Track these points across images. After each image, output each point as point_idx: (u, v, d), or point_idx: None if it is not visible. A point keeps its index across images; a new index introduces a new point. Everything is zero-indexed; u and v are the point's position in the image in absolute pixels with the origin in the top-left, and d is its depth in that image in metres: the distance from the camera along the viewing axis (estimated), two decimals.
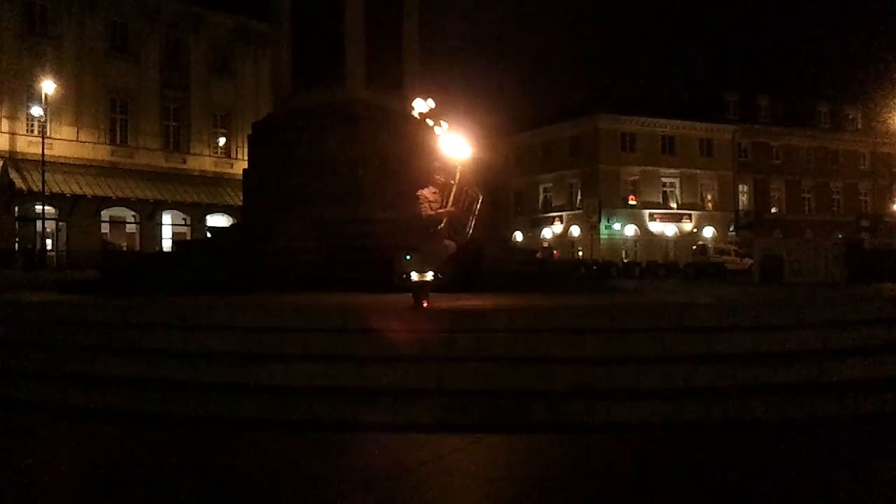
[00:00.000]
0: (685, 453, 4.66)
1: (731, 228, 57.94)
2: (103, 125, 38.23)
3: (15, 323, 7.82)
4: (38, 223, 34.42)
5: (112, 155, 38.28)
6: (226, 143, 42.76)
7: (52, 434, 5.30)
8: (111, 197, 37.02)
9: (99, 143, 37.81)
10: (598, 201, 50.50)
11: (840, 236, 40.80)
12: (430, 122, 8.74)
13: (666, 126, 56.13)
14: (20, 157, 34.68)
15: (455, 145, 8.91)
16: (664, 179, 56.96)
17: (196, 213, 40.20)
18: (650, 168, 55.89)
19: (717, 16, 79.25)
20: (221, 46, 42.97)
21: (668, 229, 56.74)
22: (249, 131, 15.19)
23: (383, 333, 6.12)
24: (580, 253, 52.25)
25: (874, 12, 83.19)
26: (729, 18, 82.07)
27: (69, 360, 6.58)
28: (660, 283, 21.58)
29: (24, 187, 33.79)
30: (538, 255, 22.23)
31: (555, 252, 48.73)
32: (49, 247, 36.28)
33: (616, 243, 53.97)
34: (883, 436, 5.01)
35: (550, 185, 59.62)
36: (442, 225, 9.23)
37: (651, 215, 56.28)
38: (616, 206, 54.23)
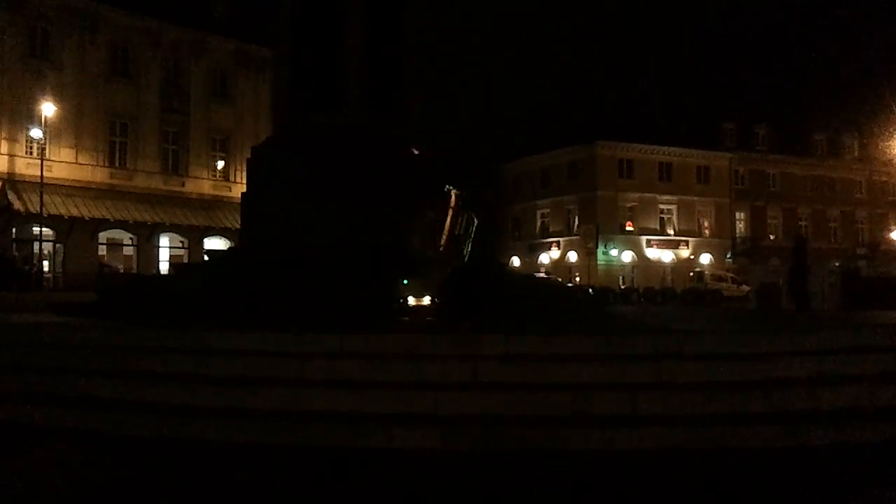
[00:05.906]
0: (684, 479, 4.63)
1: (728, 255, 57.95)
2: (102, 148, 38.26)
3: (9, 345, 7.77)
4: (36, 244, 34.36)
5: (111, 177, 38.29)
6: (224, 167, 42.81)
7: (41, 457, 5.25)
8: (109, 219, 36.95)
9: (98, 166, 37.83)
10: (596, 227, 50.53)
11: (837, 264, 40.80)
12: None
13: (663, 153, 56.34)
14: (19, 178, 34.68)
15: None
16: (661, 206, 57.07)
17: (194, 236, 40.13)
18: (647, 195, 56.02)
19: (715, 45, 79.89)
20: (222, 71, 43.15)
21: (666, 256, 56.76)
22: (248, 155, 15.21)
23: (380, 359, 6.09)
24: (577, 279, 52.20)
25: (870, 42, 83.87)
26: (727, 48, 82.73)
27: (63, 382, 6.53)
28: (657, 310, 21.53)
29: (21, 209, 33.76)
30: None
31: (552, 277, 48.68)
32: (46, 268, 36.16)
33: (613, 269, 53.95)
34: (880, 464, 4.98)
35: (548, 210, 59.70)
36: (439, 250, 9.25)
37: (648, 241, 56.32)
38: (613, 232, 54.27)
